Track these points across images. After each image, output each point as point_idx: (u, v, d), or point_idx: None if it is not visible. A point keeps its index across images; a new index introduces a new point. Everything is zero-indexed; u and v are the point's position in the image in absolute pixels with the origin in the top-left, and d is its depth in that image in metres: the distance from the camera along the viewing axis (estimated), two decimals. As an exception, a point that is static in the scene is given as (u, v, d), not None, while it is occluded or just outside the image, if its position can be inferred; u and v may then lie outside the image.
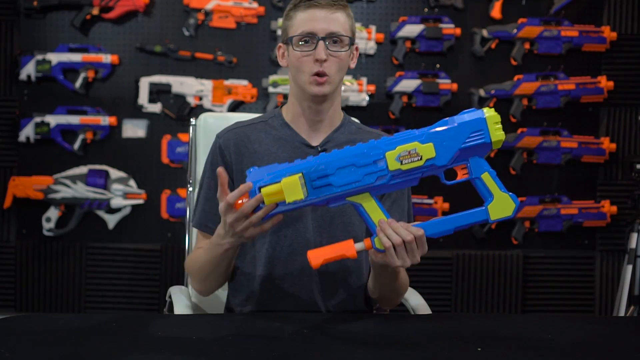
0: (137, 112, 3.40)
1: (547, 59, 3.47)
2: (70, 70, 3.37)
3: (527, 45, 3.45)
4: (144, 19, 3.41)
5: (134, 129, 3.42)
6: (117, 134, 3.41)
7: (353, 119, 1.74)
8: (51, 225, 3.37)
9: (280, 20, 3.29)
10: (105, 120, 3.35)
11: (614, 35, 3.44)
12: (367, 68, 3.45)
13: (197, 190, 1.70)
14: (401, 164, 1.30)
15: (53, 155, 3.39)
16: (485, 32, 3.43)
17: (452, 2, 3.43)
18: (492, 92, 3.42)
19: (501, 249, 3.48)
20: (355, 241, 1.33)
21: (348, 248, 1.32)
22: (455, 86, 3.41)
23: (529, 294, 3.50)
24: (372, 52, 3.41)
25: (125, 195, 3.36)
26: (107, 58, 3.35)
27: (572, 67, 3.46)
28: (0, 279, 3.42)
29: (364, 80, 3.38)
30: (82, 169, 3.36)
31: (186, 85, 3.37)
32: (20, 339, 1.23)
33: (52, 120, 3.34)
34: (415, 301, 1.76)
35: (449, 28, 3.40)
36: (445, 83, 3.40)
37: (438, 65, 3.46)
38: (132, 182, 3.38)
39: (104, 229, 3.41)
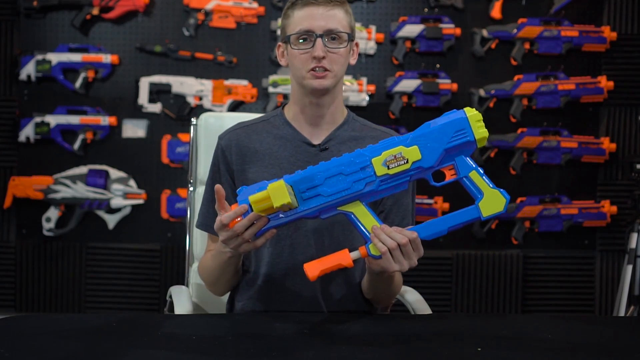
0: (137, 112, 3.40)
1: (547, 59, 3.47)
2: (70, 70, 3.37)
3: (527, 45, 3.44)
4: (144, 19, 3.41)
5: (134, 129, 3.42)
6: (117, 134, 3.41)
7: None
8: (51, 225, 3.37)
9: (279, 20, 3.28)
10: (105, 120, 3.35)
11: (614, 35, 3.44)
12: (367, 68, 3.45)
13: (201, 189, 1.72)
14: (388, 168, 1.31)
15: (53, 155, 3.39)
16: (485, 32, 3.42)
17: (452, 2, 3.43)
18: (492, 92, 3.42)
19: (501, 249, 3.48)
20: (354, 244, 1.34)
21: (344, 257, 1.33)
22: (455, 86, 3.41)
23: (529, 294, 3.50)
24: (372, 52, 3.41)
25: (125, 195, 3.36)
26: (107, 58, 3.34)
27: (572, 67, 3.46)
28: (0, 279, 3.42)
29: (364, 80, 3.38)
30: (82, 169, 3.36)
31: (186, 85, 3.37)
32: (20, 339, 1.23)
33: (52, 120, 3.34)
34: (413, 297, 1.77)
35: (449, 28, 3.40)
36: (445, 83, 3.40)
37: (438, 65, 3.46)
38: (132, 182, 3.38)
39: (104, 229, 3.41)
